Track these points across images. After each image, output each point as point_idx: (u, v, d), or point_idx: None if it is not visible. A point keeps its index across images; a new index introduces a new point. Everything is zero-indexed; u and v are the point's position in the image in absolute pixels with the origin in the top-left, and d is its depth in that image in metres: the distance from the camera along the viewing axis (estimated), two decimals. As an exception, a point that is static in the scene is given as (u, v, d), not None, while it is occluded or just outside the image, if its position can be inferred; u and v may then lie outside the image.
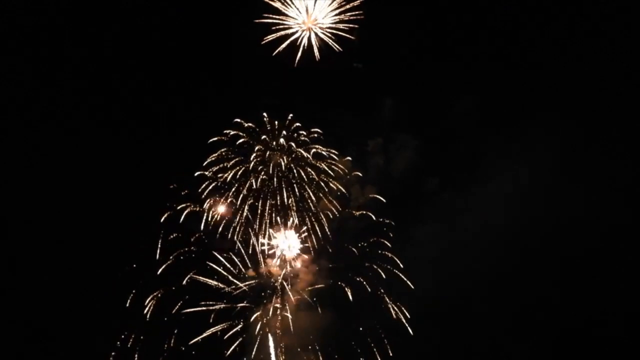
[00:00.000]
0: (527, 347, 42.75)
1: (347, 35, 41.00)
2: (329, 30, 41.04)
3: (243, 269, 41.82)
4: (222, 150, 42.33)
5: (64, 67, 46.29)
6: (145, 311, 40.56)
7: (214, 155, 42.08)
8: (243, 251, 41.83)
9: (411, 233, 44.03)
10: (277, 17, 40.84)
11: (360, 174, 43.99)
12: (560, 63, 45.95)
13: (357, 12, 40.73)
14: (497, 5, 46.06)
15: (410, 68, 45.45)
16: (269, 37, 41.02)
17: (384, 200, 43.51)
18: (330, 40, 41.12)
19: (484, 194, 44.02)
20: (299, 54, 41.27)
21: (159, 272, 40.85)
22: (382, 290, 41.36)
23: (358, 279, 41.62)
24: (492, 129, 45.30)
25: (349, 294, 41.25)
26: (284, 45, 41.13)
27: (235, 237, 41.75)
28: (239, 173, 42.18)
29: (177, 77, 46.14)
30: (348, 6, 40.72)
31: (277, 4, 40.70)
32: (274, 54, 41.14)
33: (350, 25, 40.70)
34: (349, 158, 43.66)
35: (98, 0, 45.77)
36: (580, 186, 43.48)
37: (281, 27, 40.91)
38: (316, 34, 40.98)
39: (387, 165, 45.84)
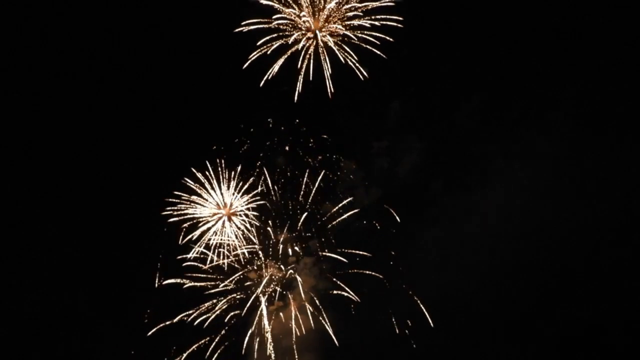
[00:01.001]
0: (530, 351, 42.96)
1: (373, 49, 31.74)
2: (340, 39, 31.99)
3: (245, 272, 41.80)
4: (225, 156, 41.27)
5: (63, 67, 46.14)
6: (145, 319, 40.65)
7: (215, 162, 41.11)
8: (246, 254, 41.90)
9: (415, 235, 44.00)
10: (272, 20, 32.93)
11: (365, 178, 44.02)
12: (564, 64, 45.85)
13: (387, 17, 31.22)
14: (499, 6, 45.96)
15: (415, 70, 45.18)
16: (256, 52, 32.27)
17: (398, 219, 42.74)
18: (347, 57, 31.45)
19: (488, 197, 44.09)
20: (300, 82, 32.19)
21: (159, 283, 40.74)
22: (384, 295, 41.54)
23: (360, 283, 41.65)
24: (496, 131, 45.34)
25: (351, 297, 41.34)
26: (278, 65, 32.17)
27: (237, 241, 41.65)
28: (242, 180, 41.53)
29: (176, 79, 45.56)
30: (373, 5, 30.92)
31: (276, 4, 33.08)
32: (262, 83, 32.82)
33: (377, 35, 31.12)
34: (354, 165, 43.55)
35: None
36: (586, 191, 43.45)
37: (280, 34, 32.57)
38: (326, 45, 31.75)
39: (392, 167, 45.72)
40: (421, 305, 40.70)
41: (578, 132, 44.10)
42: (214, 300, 40.94)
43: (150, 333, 40.07)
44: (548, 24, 45.94)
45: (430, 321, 40.54)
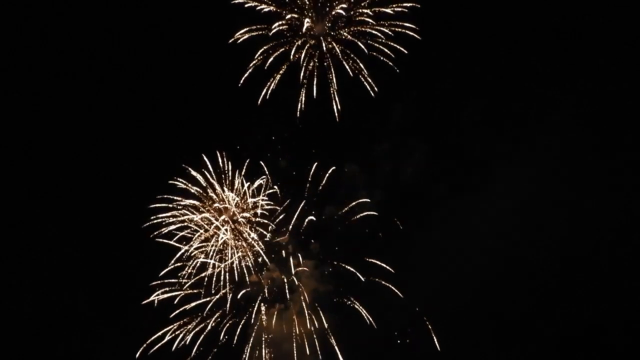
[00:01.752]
0: (529, 351, 43.02)
1: (386, 60, 27.90)
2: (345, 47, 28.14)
3: (245, 274, 41.76)
4: (226, 160, 40.66)
5: (63, 67, 46.09)
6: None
7: (216, 165, 40.87)
8: (247, 256, 41.68)
9: (416, 236, 43.93)
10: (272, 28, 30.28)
11: (368, 181, 43.90)
12: (565, 64, 45.88)
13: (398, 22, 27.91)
14: (499, 6, 45.93)
15: (416, 72, 45.08)
16: (255, 61, 29.65)
17: (401, 227, 42.52)
18: (355, 68, 27.55)
19: (488, 198, 44.02)
20: (301, 101, 28.46)
21: (155, 297, 40.71)
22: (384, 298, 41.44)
23: (361, 286, 41.64)
24: (497, 132, 45.35)
25: (351, 300, 41.28)
26: (280, 73, 28.92)
27: (238, 243, 41.61)
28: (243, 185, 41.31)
29: (174, 84, 45.45)
30: (388, 10, 26.85)
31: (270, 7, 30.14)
32: (263, 93, 29.80)
33: (388, 43, 27.26)
34: (357, 172, 43.38)
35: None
36: (586, 191, 43.47)
37: (282, 41, 29.29)
38: (330, 52, 28.00)
39: (395, 170, 45.66)
40: (428, 324, 40.97)
41: (578, 132, 44.14)
42: (213, 308, 40.92)
43: (147, 342, 40.10)
44: (548, 24, 46.02)
45: (438, 346, 40.64)
